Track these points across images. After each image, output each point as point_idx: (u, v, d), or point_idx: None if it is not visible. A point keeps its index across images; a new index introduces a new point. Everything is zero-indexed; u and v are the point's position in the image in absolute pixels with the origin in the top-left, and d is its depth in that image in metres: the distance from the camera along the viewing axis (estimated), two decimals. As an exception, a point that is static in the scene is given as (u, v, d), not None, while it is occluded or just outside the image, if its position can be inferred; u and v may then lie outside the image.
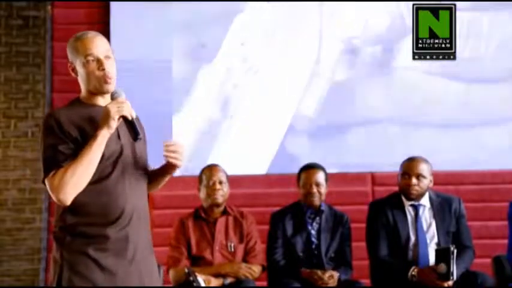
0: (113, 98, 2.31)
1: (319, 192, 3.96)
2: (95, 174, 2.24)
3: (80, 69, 2.32)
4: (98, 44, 2.31)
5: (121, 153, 2.30)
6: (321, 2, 5.06)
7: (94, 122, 2.27)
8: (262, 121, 5.01)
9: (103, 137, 2.22)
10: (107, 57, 2.31)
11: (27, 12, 5.05)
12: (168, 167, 2.41)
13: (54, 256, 2.28)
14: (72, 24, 5.09)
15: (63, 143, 2.23)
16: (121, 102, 2.26)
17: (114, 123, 2.23)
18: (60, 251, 2.25)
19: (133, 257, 2.29)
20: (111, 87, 2.32)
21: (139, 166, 2.37)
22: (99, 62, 2.29)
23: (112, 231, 2.25)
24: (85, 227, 2.25)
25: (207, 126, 4.97)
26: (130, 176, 2.32)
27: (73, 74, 2.37)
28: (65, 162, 2.21)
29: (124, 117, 2.27)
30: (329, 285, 3.77)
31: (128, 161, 2.32)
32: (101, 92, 2.33)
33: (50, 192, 2.23)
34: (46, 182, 2.23)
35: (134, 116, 2.29)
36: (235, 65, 5.08)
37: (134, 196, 2.32)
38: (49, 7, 5.08)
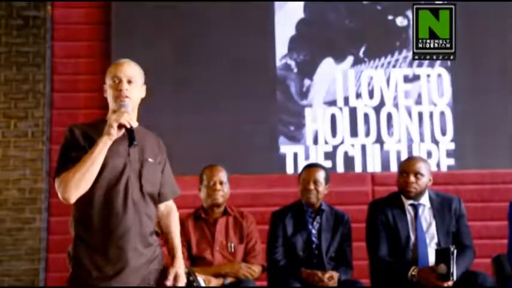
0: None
1: (317, 190, 3.92)
2: (99, 187, 2.46)
3: (107, 90, 2.60)
4: (123, 69, 2.56)
5: (124, 167, 2.51)
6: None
7: None
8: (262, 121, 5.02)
9: (103, 143, 2.43)
10: (130, 81, 2.54)
11: (27, 12, 5.05)
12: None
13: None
14: (72, 24, 5.10)
15: (73, 150, 2.48)
16: (122, 112, 2.46)
17: (114, 131, 2.43)
18: (69, 256, 2.55)
19: (129, 265, 2.49)
20: (124, 105, 2.51)
21: (146, 185, 2.56)
22: (119, 82, 2.52)
23: (110, 241, 2.48)
24: (87, 236, 2.50)
25: (208, 126, 4.98)
26: (133, 191, 2.52)
27: (106, 96, 2.60)
28: (71, 166, 2.43)
29: (125, 126, 2.46)
30: (329, 285, 3.76)
31: (132, 178, 2.52)
32: (117, 109, 2.52)
33: (57, 191, 2.45)
34: (55, 182, 2.46)
35: (134, 125, 2.48)
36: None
37: (134, 210, 2.52)
38: (49, 7, 5.08)
